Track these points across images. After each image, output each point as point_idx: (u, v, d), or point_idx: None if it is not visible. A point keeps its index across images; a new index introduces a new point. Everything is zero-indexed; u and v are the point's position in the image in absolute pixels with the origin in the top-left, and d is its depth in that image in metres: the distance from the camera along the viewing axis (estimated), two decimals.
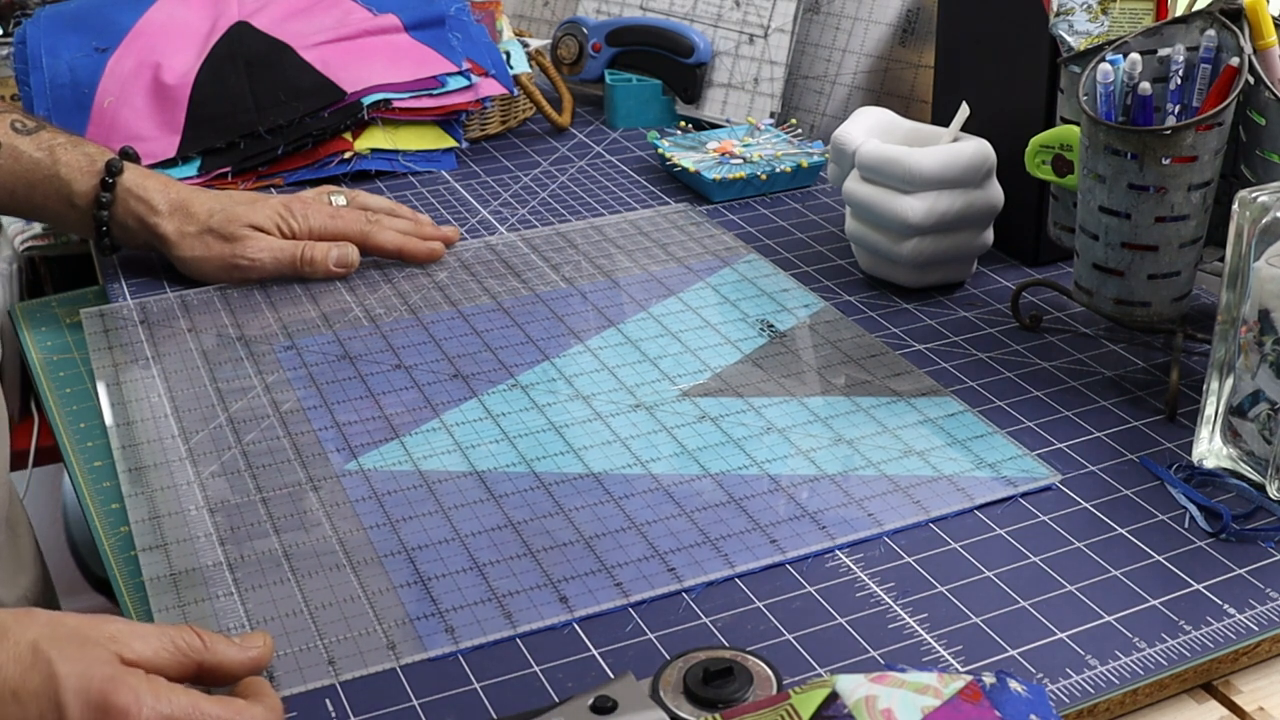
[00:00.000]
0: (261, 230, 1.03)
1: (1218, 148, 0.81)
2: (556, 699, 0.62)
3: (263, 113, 1.20)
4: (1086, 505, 0.75)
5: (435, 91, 1.28)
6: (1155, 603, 0.67)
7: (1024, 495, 0.76)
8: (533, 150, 1.31)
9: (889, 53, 1.32)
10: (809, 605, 0.68)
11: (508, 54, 1.35)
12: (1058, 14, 0.89)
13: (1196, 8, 0.85)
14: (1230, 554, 0.71)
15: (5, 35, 1.74)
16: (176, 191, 1.05)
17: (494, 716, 0.61)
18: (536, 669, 0.64)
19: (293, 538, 0.74)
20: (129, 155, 1.08)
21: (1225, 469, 0.77)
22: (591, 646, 0.65)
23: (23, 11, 1.66)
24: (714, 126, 1.34)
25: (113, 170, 1.03)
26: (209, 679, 0.61)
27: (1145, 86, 0.82)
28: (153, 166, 1.23)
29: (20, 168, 1.03)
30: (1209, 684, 0.65)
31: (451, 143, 1.28)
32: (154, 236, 1.03)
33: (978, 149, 0.97)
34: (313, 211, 1.05)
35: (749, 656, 0.62)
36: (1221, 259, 0.80)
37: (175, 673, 0.59)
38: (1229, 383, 0.76)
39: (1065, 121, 0.90)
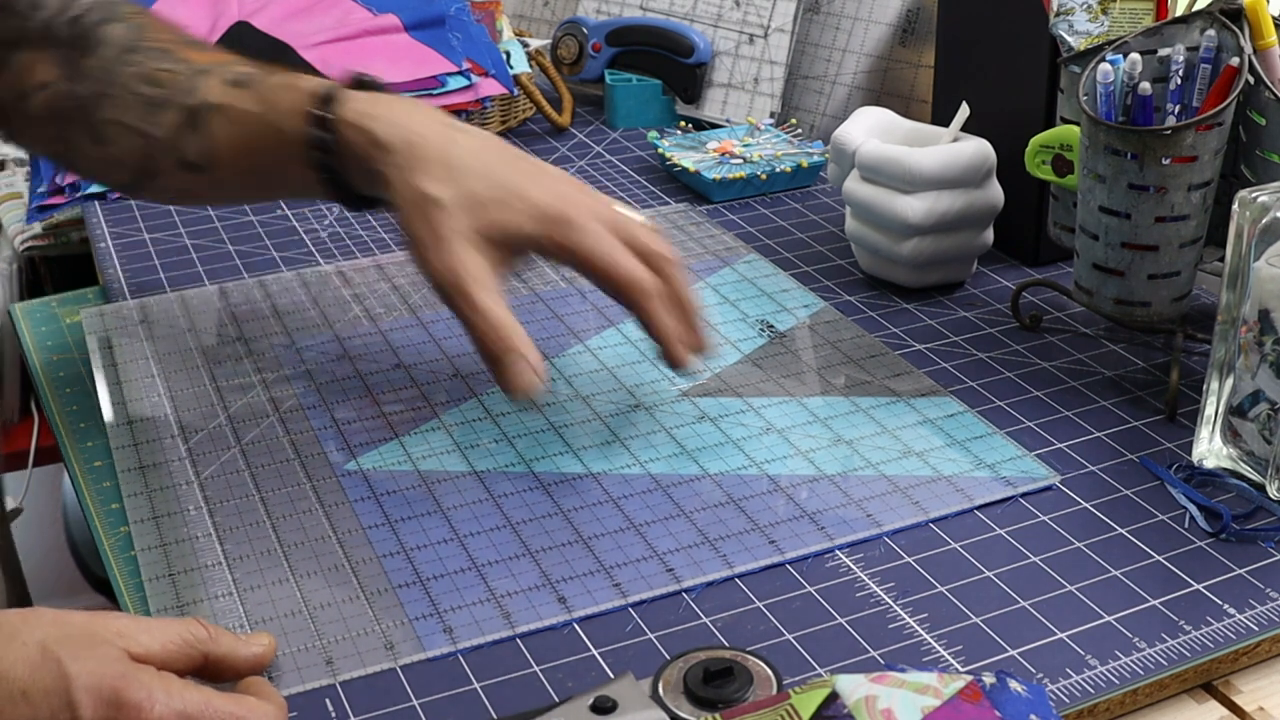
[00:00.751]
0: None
1: (1218, 148, 0.81)
2: (556, 699, 0.62)
3: None
4: (1086, 505, 0.75)
5: (435, 91, 1.28)
6: (1155, 603, 0.67)
7: (1024, 495, 0.76)
8: (533, 150, 1.31)
9: (889, 53, 1.32)
10: (809, 605, 0.68)
11: (508, 54, 1.35)
12: (1058, 14, 0.89)
13: (1196, 8, 0.85)
14: (1230, 554, 0.71)
15: None
16: (420, 121, 0.78)
17: (494, 716, 0.61)
18: (536, 669, 0.64)
19: (292, 537, 0.74)
20: (365, 84, 0.83)
21: (1225, 469, 0.77)
22: (591, 646, 0.65)
23: None
24: (714, 126, 1.34)
25: (327, 100, 0.79)
26: (214, 671, 0.61)
27: (1145, 86, 0.82)
28: None
29: (241, 132, 0.82)
30: (1209, 684, 0.65)
31: None
32: (381, 186, 0.79)
33: (978, 149, 0.97)
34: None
35: (749, 656, 0.62)
36: (1221, 259, 0.80)
37: (182, 665, 0.59)
38: (1229, 383, 0.76)
39: (1065, 121, 0.90)
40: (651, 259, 0.78)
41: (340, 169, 0.80)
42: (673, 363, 0.79)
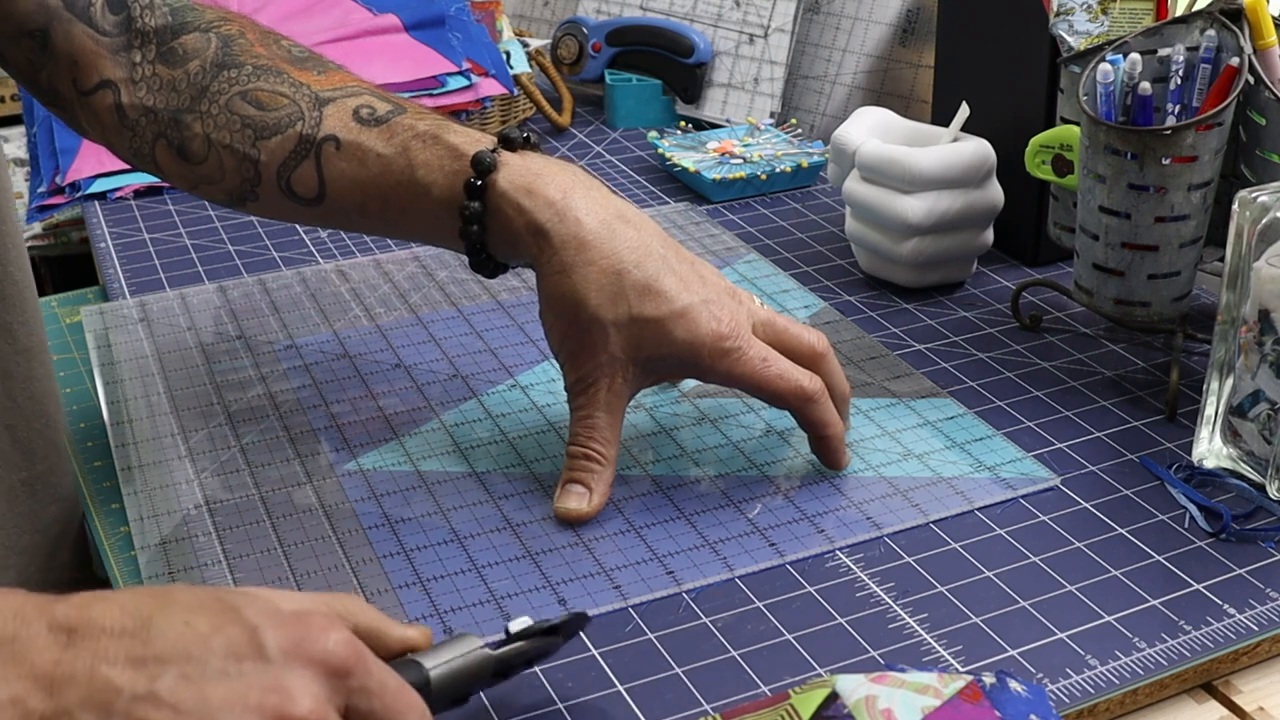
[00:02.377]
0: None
1: (1218, 148, 0.81)
2: (557, 699, 0.62)
3: None
4: (1086, 505, 0.75)
5: (435, 91, 1.28)
6: (1155, 603, 0.67)
7: (1024, 496, 0.76)
8: None
9: (889, 53, 1.32)
10: (809, 605, 0.68)
11: (508, 54, 1.35)
12: (1058, 14, 0.89)
13: (1196, 8, 0.85)
14: (1230, 554, 0.71)
15: None
16: (579, 204, 0.74)
17: (494, 716, 0.61)
18: (536, 669, 0.64)
19: (291, 537, 0.74)
20: (512, 141, 0.77)
21: (1225, 469, 0.77)
22: (591, 647, 0.65)
23: None
24: (714, 126, 1.34)
25: (482, 167, 0.75)
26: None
27: (1145, 86, 0.82)
28: None
29: (367, 175, 0.77)
30: (1209, 684, 0.65)
31: None
32: (528, 264, 0.76)
33: (978, 149, 0.97)
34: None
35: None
36: (1221, 259, 0.80)
37: None
38: (1229, 383, 0.76)
39: (1065, 121, 0.90)
40: (805, 357, 0.76)
41: (485, 239, 0.75)
42: (833, 464, 0.78)
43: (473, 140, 0.76)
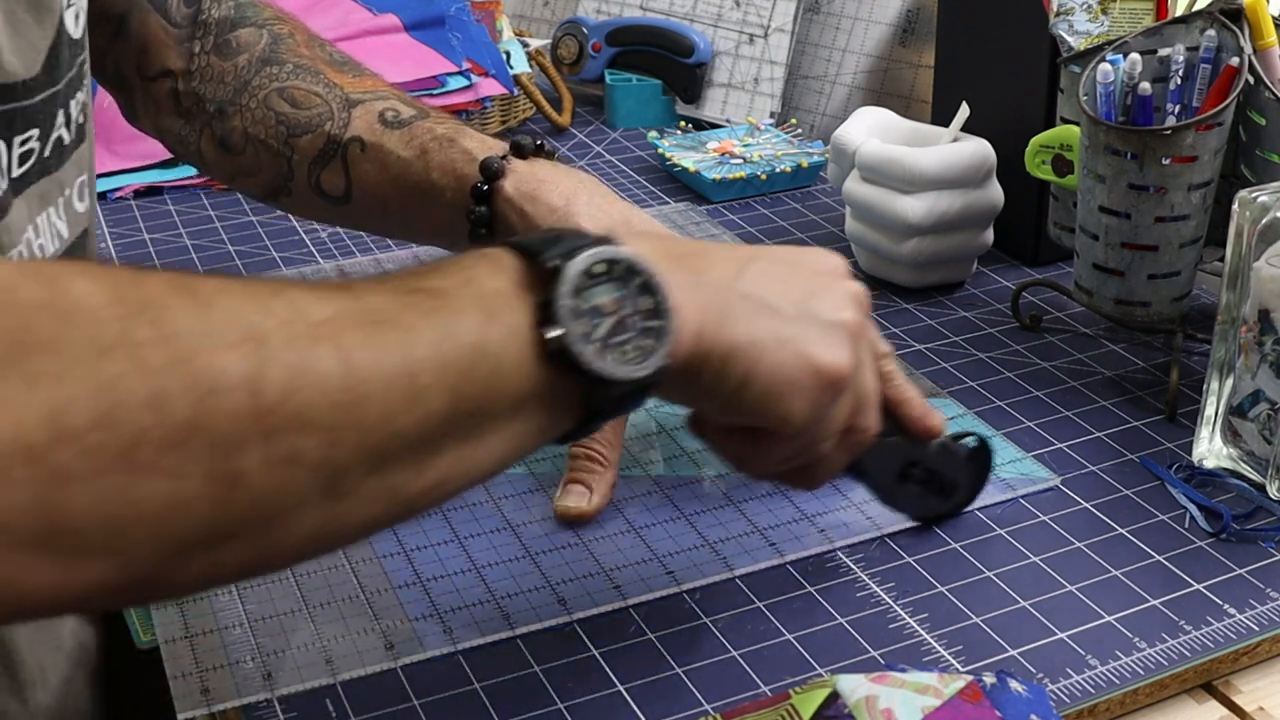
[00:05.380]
0: None
1: (1218, 148, 0.81)
2: (557, 700, 0.62)
3: None
4: (1086, 505, 0.75)
5: (435, 91, 1.28)
6: (1155, 603, 0.67)
7: (1024, 496, 0.76)
8: None
9: (889, 53, 1.32)
10: (809, 605, 0.68)
11: (508, 54, 1.35)
12: (1058, 14, 0.89)
13: (1196, 8, 0.85)
14: (1230, 554, 0.71)
15: None
16: (581, 210, 0.74)
17: (494, 716, 0.61)
18: (536, 669, 0.64)
19: None
20: (523, 148, 0.77)
21: (1225, 469, 0.77)
22: (592, 647, 0.65)
23: None
24: (714, 126, 1.34)
25: (489, 173, 0.75)
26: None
27: (1145, 86, 0.82)
28: (151, 167, 1.23)
29: (387, 176, 0.78)
30: (1209, 684, 0.65)
31: None
32: None
33: (978, 149, 0.97)
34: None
35: None
36: (1221, 259, 0.80)
37: None
38: (1229, 383, 0.76)
39: (1065, 121, 0.90)
40: None
41: (492, 243, 0.77)
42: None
43: (485, 146, 0.77)
